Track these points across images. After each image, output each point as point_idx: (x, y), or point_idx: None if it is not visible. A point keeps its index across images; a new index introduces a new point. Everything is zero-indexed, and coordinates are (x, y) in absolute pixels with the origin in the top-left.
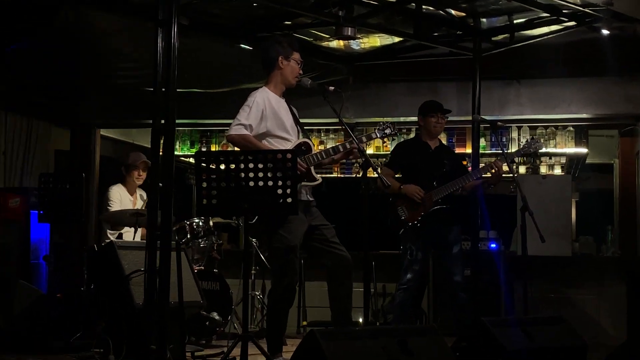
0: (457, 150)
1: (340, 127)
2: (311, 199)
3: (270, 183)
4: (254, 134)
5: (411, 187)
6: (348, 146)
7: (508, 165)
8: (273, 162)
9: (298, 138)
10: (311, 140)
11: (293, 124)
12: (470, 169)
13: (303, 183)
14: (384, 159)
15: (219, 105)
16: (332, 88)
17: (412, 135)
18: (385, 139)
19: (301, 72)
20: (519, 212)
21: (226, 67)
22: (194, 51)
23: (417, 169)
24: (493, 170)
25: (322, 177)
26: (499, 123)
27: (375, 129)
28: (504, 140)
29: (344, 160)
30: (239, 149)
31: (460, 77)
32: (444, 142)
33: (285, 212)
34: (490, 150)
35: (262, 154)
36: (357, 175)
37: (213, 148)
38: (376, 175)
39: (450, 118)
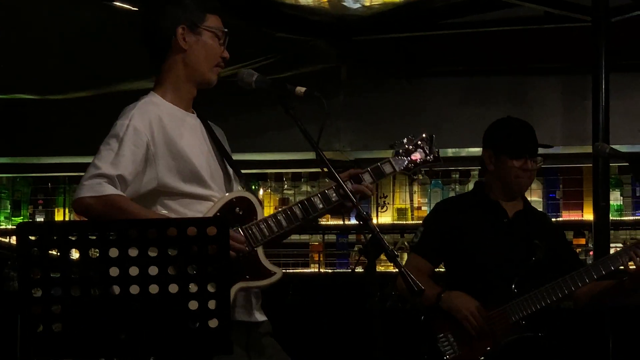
0: (564, 218)
1: (321, 167)
2: (262, 318)
3: (173, 289)
4: (132, 193)
5: (460, 297)
6: (333, 198)
7: None
8: (178, 243)
9: (228, 191)
10: (257, 195)
11: (217, 163)
12: (591, 257)
13: (244, 284)
14: (414, 235)
15: (76, 128)
16: (302, 90)
17: (469, 186)
18: (420, 175)
19: (226, 54)
20: None
21: (85, 47)
22: (11, 15)
23: (478, 259)
24: (635, 260)
25: (284, 271)
26: None
27: (394, 153)
28: None
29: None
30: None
31: (563, 68)
32: (537, 200)
33: (207, 351)
34: (633, 215)
35: (156, 227)
36: (359, 270)
37: (58, 215)
38: (396, 269)
39: (554, 150)
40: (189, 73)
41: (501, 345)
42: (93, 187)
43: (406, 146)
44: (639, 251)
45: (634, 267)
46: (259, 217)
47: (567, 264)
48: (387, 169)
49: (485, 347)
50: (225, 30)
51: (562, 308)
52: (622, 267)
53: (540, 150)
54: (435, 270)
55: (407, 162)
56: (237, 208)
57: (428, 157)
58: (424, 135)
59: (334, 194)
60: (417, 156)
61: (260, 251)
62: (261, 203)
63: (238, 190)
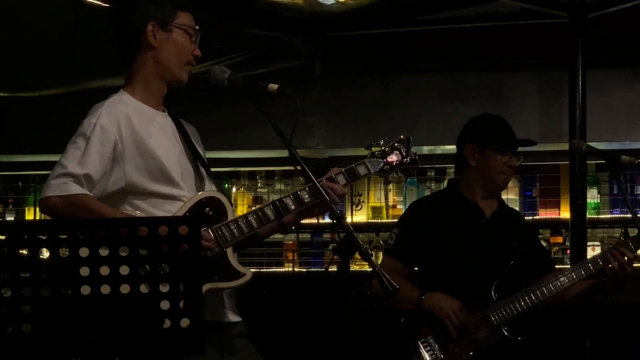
0: (540, 216)
1: (295, 166)
2: (235, 319)
3: (143, 289)
4: (100, 192)
5: (442, 297)
6: (306, 199)
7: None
8: (147, 243)
9: (199, 191)
10: (228, 196)
11: (188, 163)
12: (568, 256)
13: (212, 285)
14: (390, 234)
15: (47, 126)
16: (275, 87)
17: (444, 184)
18: (394, 176)
19: (197, 52)
20: None
21: (56, 44)
22: None
23: (455, 261)
24: (613, 265)
25: (257, 270)
26: (626, 157)
27: (370, 154)
28: (638, 191)
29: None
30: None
31: (540, 64)
32: (514, 198)
33: (178, 351)
34: (611, 213)
35: (127, 226)
36: (333, 269)
37: (29, 214)
38: (371, 268)
39: (531, 147)
40: (159, 71)
41: (483, 350)
42: (59, 187)
43: (382, 148)
44: (617, 254)
45: (614, 266)
46: (229, 218)
47: (541, 264)
48: (362, 170)
49: (468, 351)
50: (197, 27)
51: (541, 311)
52: (602, 269)
53: (520, 147)
54: (411, 270)
55: (382, 164)
56: (207, 208)
57: (405, 160)
58: (401, 136)
59: (307, 195)
60: (393, 158)
61: (230, 252)
62: (232, 203)
63: (208, 190)
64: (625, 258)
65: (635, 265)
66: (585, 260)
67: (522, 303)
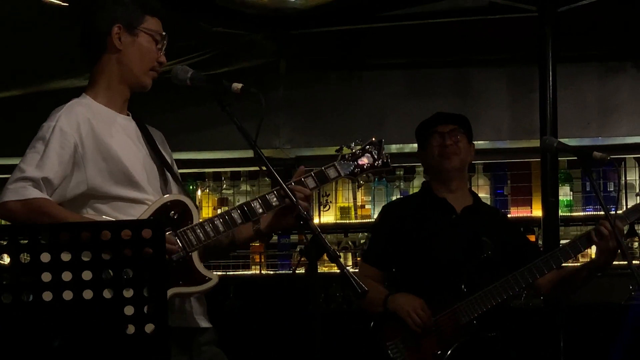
0: (512, 214)
1: (260, 166)
2: (205, 325)
3: (107, 294)
4: (60, 197)
5: (403, 297)
6: (274, 202)
7: (618, 242)
8: (110, 247)
9: (163, 194)
10: (191, 198)
11: (152, 166)
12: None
13: (177, 290)
14: (363, 236)
15: (6, 130)
16: (239, 86)
17: (414, 183)
18: (365, 181)
19: (163, 59)
20: None
21: (14, 44)
22: None
23: (426, 258)
24: (598, 239)
25: (219, 275)
26: (599, 154)
27: (340, 156)
28: (611, 188)
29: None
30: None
31: (509, 59)
32: (485, 196)
33: (143, 357)
34: (584, 210)
35: (89, 230)
36: (300, 271)
37: None
38: (339, 270)
39: (501, 145)
40: (123, 74)
41: (451, 348)
42: (17, 191)
43: (353, 150)
44: (605, 225)
45: (599, 241)
46: (195, 221)
47: (529, 258)
48: (332, 173)
49: (436, 350)
50: (164, 34)
51: (512, 307)
52: (589, 247)
53: (487, 145)
54: (386, 272)
55: (353, 166)
56: (172, 211)
57: (376, 163)
58: (373, 139)
59: (275, 198)
60: (364, 161)
61: (195, 256)
62: (197, 207)
63: (173, 194)
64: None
65: (615, 263)
66: (564, 245)
67: (492, 298)
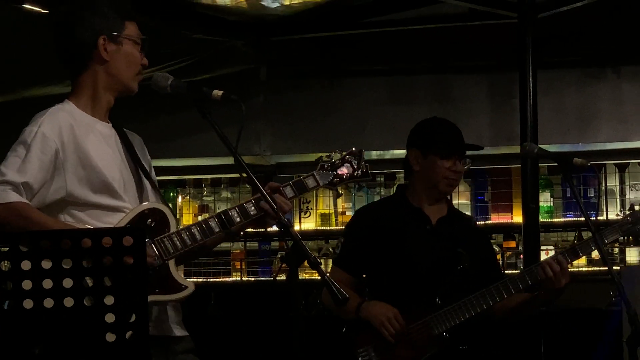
0: (492, 220)
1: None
2: (181, 333)
3: (87, 302)
4: (39, 202)
5: (377, 305)
6: (252, 211)
7: (600, 250)
8: (93, 254)
9: (141, 202)
10: (170, 207)
11: (130, 174)
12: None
13: (154, 298)
14: (338, 242)
15: None
16: (219, 93)
17: (394, 190)
18: (344, 189)
19: (145, 61)
20: (626, 346)
21: None
22: None
23: (400, 268)
24: (548, 274)
25: (195, 282)
26: (579, 160)
27: (319, 166)
28: (591, 194)
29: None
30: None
31: (489, 66)
32: (465, 202)
33: None
34: (564, 216)
35: (70, 238)
36: (281, 278)
37: None
38: (320, 277)
39: (481, 151)
40: (111, 82)
41: (426, 358)
42: None
43: (333, 160)
44: (554, 263)
45: (548, 275)
46: (172, 230)
47: (490, 272)
48: (310, 183)
49: None
50: (144, 37)
51: (487, 319)
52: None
53: (468, 152)
54: (358, 278)
55: (332, 176)
56: (149, 220)
57: (356, 172)
58: (353, 149)
59: (253, 207)
60: (344, 171)
61: (172, 264)
62: (175, 215)
63: (151, 202)
64: (560, 269)
65: (589, 269)
66: (529, 268)
67: (466, 311)
